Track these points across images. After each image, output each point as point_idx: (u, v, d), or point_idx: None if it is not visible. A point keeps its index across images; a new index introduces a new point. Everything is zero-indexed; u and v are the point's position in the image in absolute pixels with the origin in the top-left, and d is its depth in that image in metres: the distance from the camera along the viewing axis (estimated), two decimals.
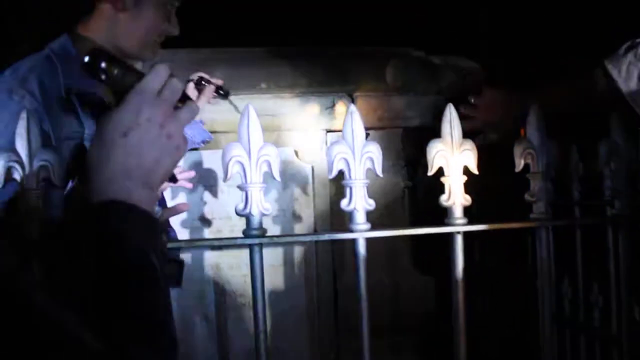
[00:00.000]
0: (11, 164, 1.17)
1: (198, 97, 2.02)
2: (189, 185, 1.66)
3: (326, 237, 1.31)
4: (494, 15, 3.27)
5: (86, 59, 0.90)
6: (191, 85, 2.03)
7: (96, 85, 1.63)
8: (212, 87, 2.02)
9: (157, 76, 0.91)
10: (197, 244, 1.39)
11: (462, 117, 1.98)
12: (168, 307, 0.86)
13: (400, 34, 2.98)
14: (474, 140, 1.90)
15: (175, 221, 1.63)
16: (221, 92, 2.07)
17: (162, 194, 1.63)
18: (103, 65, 0.89)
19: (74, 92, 1.63)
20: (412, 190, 2.87)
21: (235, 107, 2.55)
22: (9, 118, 1.46)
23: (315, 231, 2.66)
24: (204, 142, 2.12)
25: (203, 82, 2.02)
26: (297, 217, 2.67)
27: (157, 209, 1.57)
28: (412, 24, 3.22)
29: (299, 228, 2.65)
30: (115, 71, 0.90)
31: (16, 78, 1.58)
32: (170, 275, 1.65)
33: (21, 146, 1.18)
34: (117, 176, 0.87)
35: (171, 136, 0.90)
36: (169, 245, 1.49)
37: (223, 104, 2.56)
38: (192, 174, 1.65)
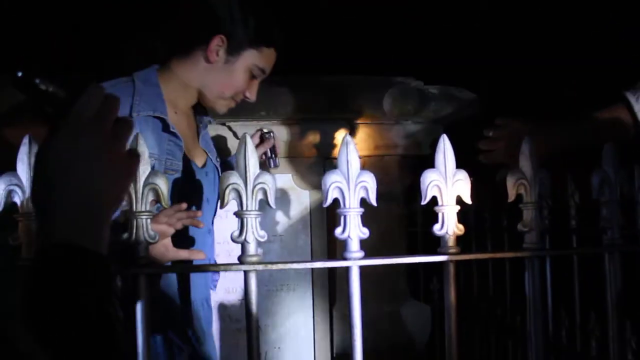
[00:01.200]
0: (11, 187, 1.19)
1: (258, 146, 2.10)
2: (201, 225, 1.70)
3: (320, 264, 1.32)
4: (494, 45, 3.31)
5: (19, 73, 0.81)
6: (258, 133, 2.13)
7: (159, 112, 1.75)
8: (272, 142, 2.10)
9: (91, 97, 0.83)
10: (193, 269, 1.40)
11: (480, 151, 1.97)
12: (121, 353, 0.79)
13: (398, 63, 3.02)
14: (496, 173, 1.91)
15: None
16: (273, 156, 2.14)
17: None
18: (37, 80, 0.81)
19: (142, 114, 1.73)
20: (408, 217, 2.89)
21: (235, 134, 2.58)
22: None
23: (312, 256, 2.68)
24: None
25: (267, 136, 2.10)
26: (294, 242, 2.69)
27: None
28: (410, 53, 3.26)
29: (296, 252, 2.67)
30: (50, 88, 0.81)
31: None
32: None
33: (22, 170, 1.21)
34: (61, 216, 0.79)
35: (115, 160, 0.84)
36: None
37: (222, 130, 2.59)
38: (199, 214, 1.68)
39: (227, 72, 1.84)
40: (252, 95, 1.91)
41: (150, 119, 1.75)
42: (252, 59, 1.86)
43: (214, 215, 1.95)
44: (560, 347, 2.37)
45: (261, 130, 2.15)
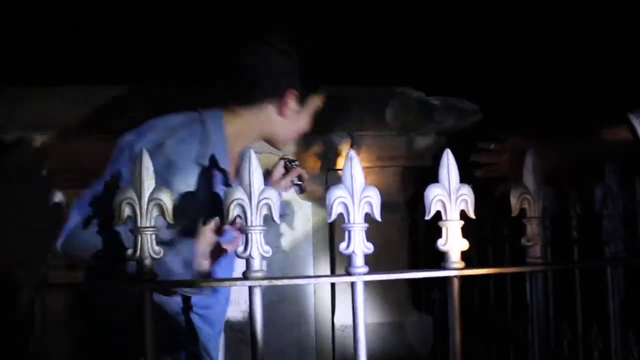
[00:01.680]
0: None
1: (284, 175, 2.11)
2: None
3: (324, 280, 1.32)
4: (495, 56, 3.31)
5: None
6: (282, 162, 2.14)
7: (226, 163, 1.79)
8: (298, 171, 2.11)
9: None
10: (197, 284, 1.40)
11: (478, 165, 1.97)
12: None
13: (400, 74, 3.02)
14: (496, 188, 1.91)
15: (178, 261, 1.66)
16: (300, 183, 2.15)
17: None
18: None
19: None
20: (411, 229, 2.89)
21: None
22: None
23: (314, 267, 2.68)
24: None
25: (292, 165, 2.10)
26: (296, 253, 2.69)
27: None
28: (412, 64, 3.27)
29: (298, 264, 2.67)
30: None
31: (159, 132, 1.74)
32: None
33: None
34: None
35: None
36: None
37: None
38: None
39: (296, 121, 1.88)
40: (309, 127, 1.96)
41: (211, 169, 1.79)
42: (317, 101, 1.91)
43: None
44: (562, 358, 2.37)
45: (285, 159, 2.14)
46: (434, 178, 1.34)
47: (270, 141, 1.94)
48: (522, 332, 2.60)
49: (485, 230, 2.93)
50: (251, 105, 1.85)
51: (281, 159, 2.15)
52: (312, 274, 2.68)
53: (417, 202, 2.76)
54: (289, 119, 1.86)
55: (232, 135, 1.86)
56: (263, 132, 1.89)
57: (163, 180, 1.65)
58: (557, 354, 2.36)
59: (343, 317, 2.67)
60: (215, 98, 1.88)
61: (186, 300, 1.80)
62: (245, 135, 1.88)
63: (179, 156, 1.73)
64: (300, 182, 2.12)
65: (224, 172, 1.82)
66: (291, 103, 1.84)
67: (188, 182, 1.74)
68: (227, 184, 1.83)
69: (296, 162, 2.12)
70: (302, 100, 1.86)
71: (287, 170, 2.11)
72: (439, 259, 1.36)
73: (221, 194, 1.81)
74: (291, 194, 2.65)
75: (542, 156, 1.44)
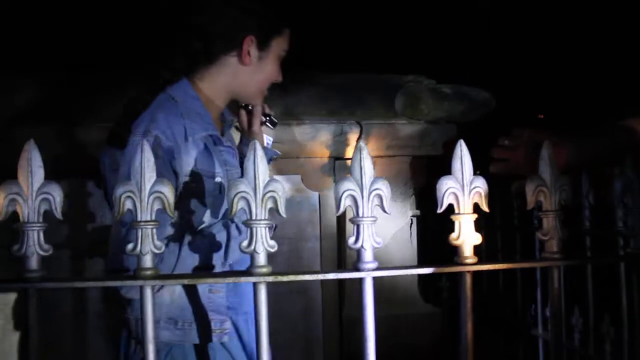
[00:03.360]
0: (12, 196, 1.15)
1: (250, 120, 2.04)
2: None
3: (332, 276, 1.27)
4: (508, 45, 3.25)
5: None
6: (242, 112, 2.05)
7: (210, 130, 1.76)
8: (259, 109, 2.03)
9: None
10: (201, 280, 1.36)
11: (492, 160, 1.91)
12: None
13: (411, 62, 2.97)
14: (510, 183, 1.86)
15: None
16: (268, 116, 2.07)
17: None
18: None
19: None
20: (420, 218, 2.85)
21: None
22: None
23: (322, 259, 2.65)
24: (270, 159, 2.13)
25: (250, 107, 2.03)
26: (303, 244, 2.66)
27: None
28: (423, 52, 3.21)
29: (305, 255, 2.64)
30: None
31: (149, 120, 1.69)
32: None
33: (23, 178, 1.17)
34: None
35: None
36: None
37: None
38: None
39: (262, 68, 1.84)
40: (280, 77, 1.91)
41: (203, 138, 1.74)
42: (279, 45, 1.85)
43: None
44: (573, 350, 2.33)
45: (241, 107, 2.05)
46: (445, 168, 1.29)
47: (241, 97, 1.91)
48: (531, 324, 2.56)
49: (495, 220, 2.88)
50: (214, 63, 1.82)
51: (239, 108, 2.05)
52: (319, 265, 2.65)
53: (427, 192, 2.71)
54: (253, 67, 1.83)
55: (205, 100, 1.82)
56: (232, 87, 1.85)
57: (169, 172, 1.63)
58: (568, 346, 2.32)
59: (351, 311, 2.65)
60: (177, 71, 1.83)
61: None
62: (217, 95, 1.85)
63: (173, 141, 1.68)
64: (269, 115, 2.05)
65: (218, 138, 1.78)
66: (252, 50, 1.81)
67: (189, 161, 1.70)
68: (225, 145, 1.81)
69: (250, 106, 2.04)
70: (262, 45, 1.82)
71: (250, 113, 2.04)
72: (448, 250, 1.32)
73: (225, 155, 1.80)
74: (297, 184, 2.62)
75: (561, 152, 1.39)
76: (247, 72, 1.83)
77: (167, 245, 1.56)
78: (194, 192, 1.67)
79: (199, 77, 1.83)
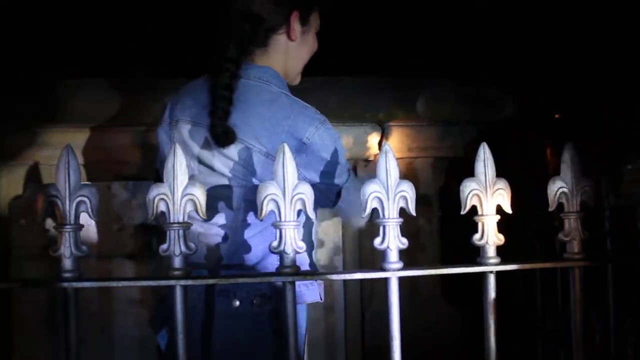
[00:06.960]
0: (51, 198, 1.20)
1: None
2: None
3: (358, 275, 1.31)
4: (528, 46, 3.25)
5: None
6: None
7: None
8: None
9: None
10: (231, 280, 1.40)
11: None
12: None
13: (432, 63, 2.99)
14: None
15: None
16: None
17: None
18: None
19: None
20: (442, 220, 2.87)
21: None
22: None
23: (344, 256, 2.68)
24: None
25: None
26: (326, 244, 2.69)
27: None
28: (444, 53, 3.22)
29: (327, 254, 2.67)
30: None
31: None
32: None
33: (61, 181, 1.21)
34: None
35: None
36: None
37: None
38: None
39: (305, 42, 1.89)
40: (316, 47, 1.96)
41: None
42: (315, 20, 1.91)
43: None
44: (593, 352, 2.34)
45: None
46: (467, 170, 1.31)
47: (289, 75, 1.92)
48: (553, 326, 2.56)
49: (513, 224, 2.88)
50: (268, 44, 1.85)
51: None
52: (341, 262, 2.68)
53: (448, 194, 2.73)
54: (298, 42, 1.88)
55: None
56: (285, 65, 1.89)
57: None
58: (588, 348, 2.32)
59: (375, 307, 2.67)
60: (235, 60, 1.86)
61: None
62: (284, 73, 1.89)
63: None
64: None
65: None
66: (296, 25, 1.85)
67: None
68: None
69: None
70: (304, 19, 1.87)
71: None
72: (470, 250, 1.34)
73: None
74: None
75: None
76: (295, 48, 1.87)
77: None
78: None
79: (259, 62, 1.85)
